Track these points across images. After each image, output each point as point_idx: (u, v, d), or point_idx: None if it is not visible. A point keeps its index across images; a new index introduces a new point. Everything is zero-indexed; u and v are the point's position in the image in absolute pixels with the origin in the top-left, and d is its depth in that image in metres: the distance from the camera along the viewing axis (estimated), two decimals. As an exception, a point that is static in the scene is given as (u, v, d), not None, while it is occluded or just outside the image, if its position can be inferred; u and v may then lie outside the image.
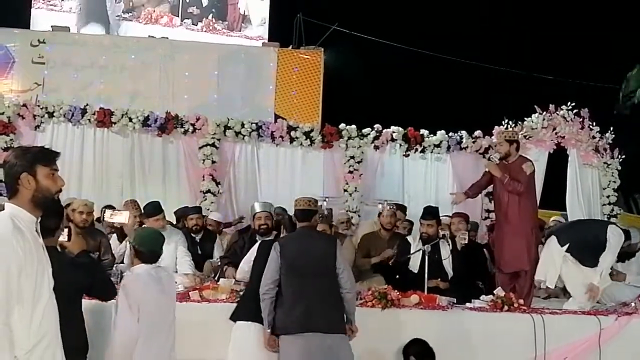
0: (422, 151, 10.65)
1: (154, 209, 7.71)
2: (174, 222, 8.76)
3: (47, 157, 3.56)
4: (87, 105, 10.07)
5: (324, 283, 5.58)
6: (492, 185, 8.00)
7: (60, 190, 3.59)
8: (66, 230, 4.26)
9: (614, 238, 7.23)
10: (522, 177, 7.55)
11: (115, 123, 10.00)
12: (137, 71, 11.26)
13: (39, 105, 9.99)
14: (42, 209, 3.47)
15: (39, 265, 3.38)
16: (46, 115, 9.94)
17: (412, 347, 5.99)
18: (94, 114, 9.99)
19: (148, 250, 5.03)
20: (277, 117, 11.22)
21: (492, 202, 8.73)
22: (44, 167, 3.48)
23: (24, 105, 9.93)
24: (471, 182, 8.49)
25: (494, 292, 7.03)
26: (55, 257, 3.99)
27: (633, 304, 7.12)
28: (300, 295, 5.51)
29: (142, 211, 7.93)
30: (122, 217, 5.73)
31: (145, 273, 4.93)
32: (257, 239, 7.65)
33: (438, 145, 10.62)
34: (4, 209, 3.42)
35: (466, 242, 7.90)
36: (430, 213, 7.89)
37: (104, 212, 9.19)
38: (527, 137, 9.53)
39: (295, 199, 6.18)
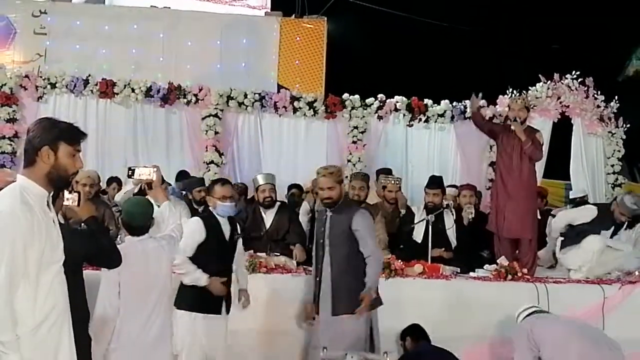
0: (426, 121, 10.60)
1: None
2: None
3: (74, 135, 3.49)
4: (89, 76, 10.04)
5: None
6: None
7: (77, 172, 3.55)
8: (76, 195, 4.21)
9: None
10: (539, 145, 7.56)
11: (117, 94, 9.97)
12: (140, 41, 11.17)
13: (41, 77, 9.97)
14: (55, 186, 3.42)
15: (48, 240, 3.32)
16: (48, 87, 9.92)
17: (408, 330, 6.04)
18: (96, 84, 9.96)
19: (134, 222, 4.98)
20: (280, 87, 11.15)
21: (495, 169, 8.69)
22: (67, 145, 3.41)
23: (26, 76, 9.91)
24: (475, 152, 8.50)
25: (498, 261, 7.05)
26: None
27: (637, 273, 7.14)
28: None
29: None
30: (146, 173, 5.20)
31: (129, 246, 4.87)
32: (261, 211, 7.67)
33: (442, 115, 10.57)
34: None
35: (473, 216, 7.89)
36: (435, 182, 7.89)
37: (111, 184, 9.23)
38: (531, 106, 9.48)
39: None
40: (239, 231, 6.14)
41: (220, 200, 5.79)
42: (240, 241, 6.12)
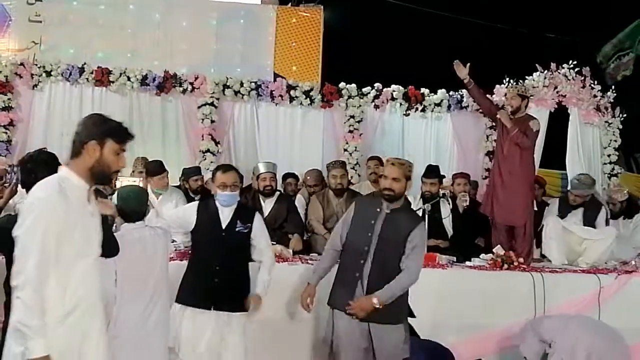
0: (423, 110, 10.59)
1: (157, 167, 7.78)
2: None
3: (122, 134, 3.59)
4: (85, 64, 9.99)
5: None
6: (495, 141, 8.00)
7: (119, 171, 3.61)
8: None
9: None
10: (529, 133, 7.55)
11: (113, 82, 9.93)
12: (135, 29, 11.11)
13: (36, 65, 9.92)
14: (96, 180, 3.51)
15: (83, 232, 3.41)
16: (44, 75, 9.88)
17: None
18: (92, 73, 9.92)
19: (129, 209, 4.98)
20: (276, 75, 11.12)
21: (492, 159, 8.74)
22: (115, 142, 3.51)
23: (22, 64, 9.86)
24: (471, 141, 8.52)
25: (494, 250, 7.06)
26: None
27: (633, 262, 7.16)
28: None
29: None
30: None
31: (126, 234, 4.86)
32: (260, 199, 7.69)
33: (438, 104, 10.56)
34: None
35: (467, 204, 7.93)
36: (433, 171, 7.92)
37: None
38: (528, 95, 9.46)
39: None
40: (254, 224, 5.57)
41: (220, 188, 5.53)
42: (262, 238, 5.62)
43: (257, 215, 5.67)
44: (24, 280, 3.19)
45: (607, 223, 8.07)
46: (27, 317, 3.18)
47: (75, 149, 3.46)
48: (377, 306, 4.99)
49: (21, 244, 3.23)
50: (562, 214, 8.10)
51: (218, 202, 5.59)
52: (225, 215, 5.52)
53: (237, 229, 5.49)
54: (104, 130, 3.49)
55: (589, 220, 8.02)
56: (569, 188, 8.29)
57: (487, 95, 8.46)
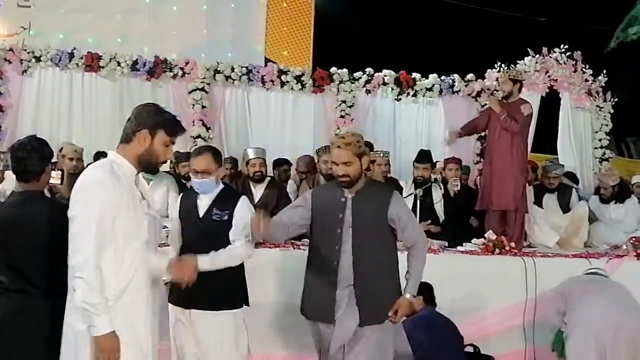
0: (414, 95, 10.57)
1: None
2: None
3: (174, 128, 3.67)
4: (74, 49, 9.92)
5: None
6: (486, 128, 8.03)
7: (165, 162, 3.67)
8: (59, 172, 4.21)
9: None
10: (520, 117, 7.58)
11: (103, 67, 9.86)
12: (125, 13, 11.06)
13: (25, 50, 9.83)
14: (143, 169, 3.61)
15: (134, 214, 3.50)
16: (33, 60, 9.79)
17: (424, 287, 5.86)
18: (81, 58, 9.85)
19: None
20: (267, 60, 11.09)
21: (484, 144, 8.78)
22: (166, 134, 3.60)
23: (10, 49, 9.76)
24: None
25: (485, 235, 7.07)
26: (43, 203, 3.95)
27: (624, 247, 7.18)
28: None
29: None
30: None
31: None
32: (250, 185, 7.67)
33: (430, 89, 10.54)
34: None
35: (458, 188, 7.94)
36: (425, 156, 7.94)
37: (98, 159, 9.18)
38: (521, 79, 9.47)
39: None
40: (235, 209, 4.88)
41: (193, 174, 5.00)
42: (240, 220, 4.83)
43: (242, 200, 4.97)
44: (83, 259, 3.28)
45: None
46: (90, 295, 3.26)
47: (126, 135, 3.56)
48: (412, 301, 4.67)
49: (77, 223, 3.33)
50: (537, 201, 8.41)
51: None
52: (204, 202, 4.97)
53: (213, 217, 4.90)
54: (158, 120, 3.57)
55: (563, 203, 8.53)
56: (543, 173, 8.56)
57: (471, 122, 8.55)
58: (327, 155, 7.86)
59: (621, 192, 8.73)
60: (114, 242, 3.38)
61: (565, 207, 8.56)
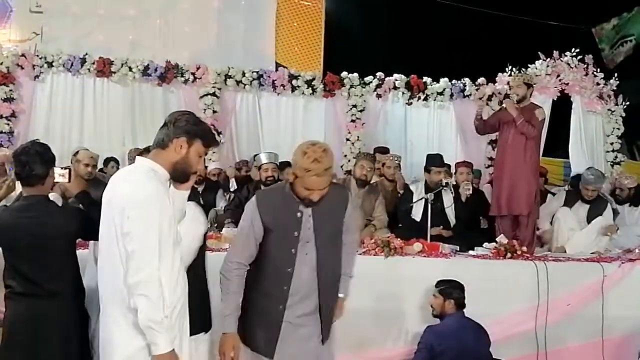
0: (425, 99, 10.58)
1: None
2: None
3: (210, 139, 3.62)
4: (86, 54, 9.98)
5: None
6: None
7: (197, 172, 3.62)
8: (66, 171, 4.21)
9: None
10: (535, 122, 7.53)
11: (115, 72, 9.94)
12: (136, 19, 11.09)
13: (37, 55, 9.90)
14: (175, 176, 3.50)
15: (174, 222, 3.45)
16: (45, 65, 9.88)
17: (456, 290, 5.80)
18: (93, 63, 9.91)
19: None
20: (278, 65, 11.10)
21: (495, 148, 8.73)
22: (202, 145, 3.51)
23: (23, 55, 9.85)
24: (475, 130, 8.45)
25: (497, 239, 7.04)
26: (44, 206, 3.97)
27: (637, 251, 7.13)
28: None
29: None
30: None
31: None
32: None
33: (441, 93, 10.55)
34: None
35: (470, 192, 7.90)
36: (440, 159, 7.90)
37: (109, 164, 9.21)
38: (533, 83, 9.47)
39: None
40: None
41: None
42: None
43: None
44: (147, 276, 3.18)
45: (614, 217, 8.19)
46: (155, 313, 3.17)
47: (162, 141, 3.45)
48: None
49: (137, 240, 3.20)
50: (569, 206, 8.13)
51: None
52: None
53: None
54: (197, 130, 3.49)
55: (594, 216, 8.02)
56: (582, 183, 8.15)
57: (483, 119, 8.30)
58: (366, 161, 7.75)
59: (636, 196, 8.65)
60: (170, 256, 3.32)
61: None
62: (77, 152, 7.41)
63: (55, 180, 4.17)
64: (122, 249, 3.23)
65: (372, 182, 8.02)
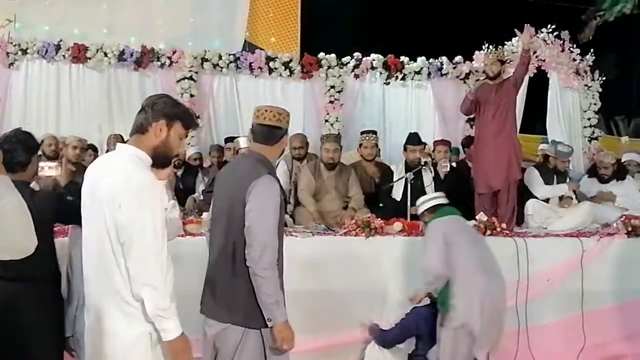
0: (403, 78, 10.58)
1: None
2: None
3: (190, 121, 3.57)
4: (60, 41, 9.88)
5: None
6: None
7: (178, 156, 3.57)
8: (55, 164, 4.21)
9: None
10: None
11: (90, 58, 9.84)
12: (112, 4, 10.97)
13: (11, 43, 9.79)
14: (156, 161, 3.42)
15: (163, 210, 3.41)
16: (19, 52, 9.76)
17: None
18: (68, 49, 9.82)
19: None
20: (255, 47, 11.03)
21: (473, 126, 8.73)
22: (181, 127, 3.47)
23: (-4, 42, 9.75)
24: (452, 108, 8.51)
25: (477, 217, 7.08)
26: (27, 192, 3.95)
27: (615, 225, 7.19)
28: None
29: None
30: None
31: None
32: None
33: (418, 72, 10.56)
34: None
35: (448, 170, 7.93)
36: (415, 137, 7.93)
37: (86, 151, 9.14)
38: (507, 61, 9.49)
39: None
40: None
41: None
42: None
43: None
44: (151, 265, 3.17)
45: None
46: (161, 301, 3.15)
47: (141, 125, 3.39)
48: None
49: (138, 231, 3.15)
50: (548, 181, 8.17)
51: None
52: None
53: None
54: (176, 112, 3.44)
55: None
56: (559, 157, 8.21)
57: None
58: (330, 143, 7.76)
59: (619, 171, 8.70)
60: (165, 242, 3.28)
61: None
62: (65, 139, 7.45)
63: (46, 175, 4.17)
64: (115, 240, 3.18)
65: (351, 163, 8.04)
